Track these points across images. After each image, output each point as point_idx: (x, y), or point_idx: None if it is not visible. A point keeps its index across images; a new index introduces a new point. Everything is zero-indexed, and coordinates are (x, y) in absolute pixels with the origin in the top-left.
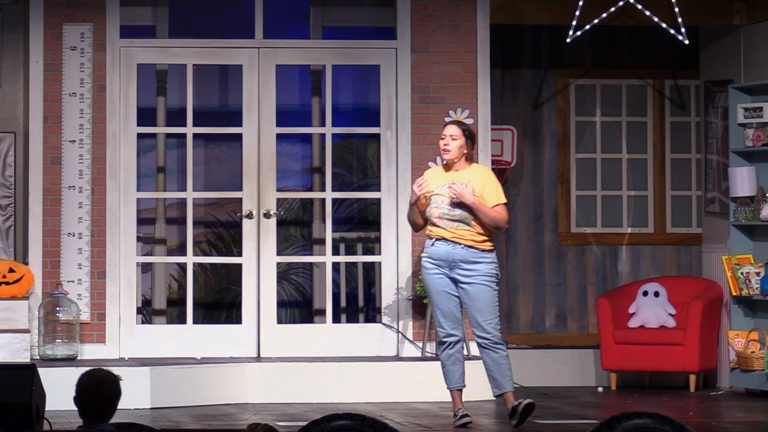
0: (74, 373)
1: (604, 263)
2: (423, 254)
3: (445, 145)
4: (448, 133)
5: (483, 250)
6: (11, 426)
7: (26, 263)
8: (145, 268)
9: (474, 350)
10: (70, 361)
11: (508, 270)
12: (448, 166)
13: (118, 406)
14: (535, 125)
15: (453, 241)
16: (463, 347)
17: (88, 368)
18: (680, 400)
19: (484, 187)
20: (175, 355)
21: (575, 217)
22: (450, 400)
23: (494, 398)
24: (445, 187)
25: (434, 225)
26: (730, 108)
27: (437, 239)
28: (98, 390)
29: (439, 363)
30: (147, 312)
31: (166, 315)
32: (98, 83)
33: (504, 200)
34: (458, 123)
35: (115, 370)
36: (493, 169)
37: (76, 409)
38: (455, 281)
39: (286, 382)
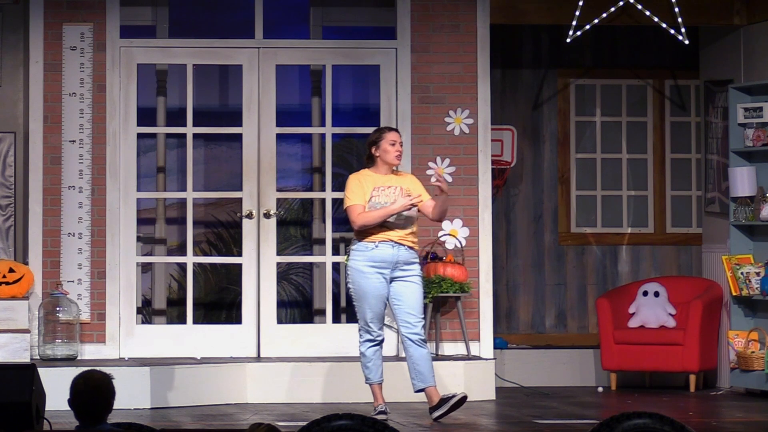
0: (74, 373)
1: (604, 263)
2: (356, 258)
3: (398, 151)
4: (398, 140)
5: (416, 252)
6: (11, 426)
7: (26, 263)
8: (145, 268)
9: (448, 350)
10: (70, 361)
11: (508, 270)
12: (385, 170)
13: (118, 406)
14: (535, 125)
15: (399, 243)
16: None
17: (85, 369)
18: (680, 400)
19: (419, 190)
20: (175, 355)
21: (575, 217)
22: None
23: (416, 392)
24: (387, 189)
25: (381, 227)
26: (730, 108)
27: (381, 242)
28: (94, 393)
29: (440, 362)
30: (147, 312)
31: (166, 315)
32: (98, 83)
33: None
34: (396, 129)
35: (115, 370)
36: (493, 170)
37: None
38: (389, 281)
39: (286, 382)
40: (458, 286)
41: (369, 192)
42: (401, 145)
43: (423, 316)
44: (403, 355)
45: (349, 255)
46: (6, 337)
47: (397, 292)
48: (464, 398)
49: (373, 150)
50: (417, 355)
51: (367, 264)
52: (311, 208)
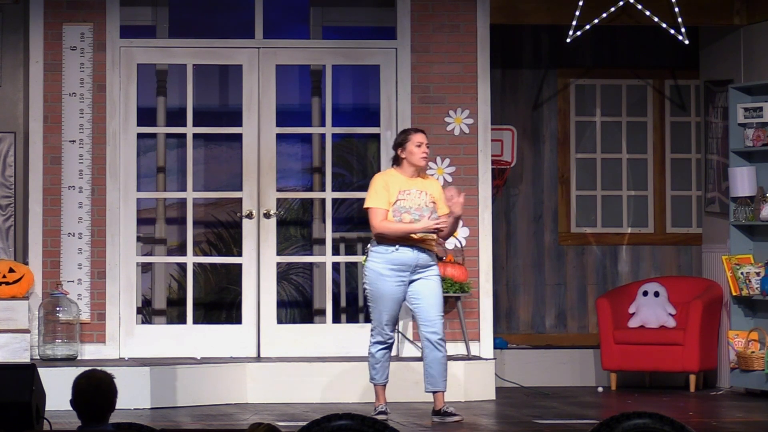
0: (74, 373)
1: (604, 263)
2: (375, 260)
3: (424, 152)
4: (424, 141)
5: (434, 253)
6: (11, 426)
7: (26, 263)
8: (145, 268)
9: (448, 350)
10: (70, 361)
11: (508, 270)
12: (410, 171)
13: (118, 406)
14: (535, 125)
15: (419, 247)
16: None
17: (86, 368)
18: (680, 400)
19: (440, 197)
20: (175, 355)
21: (575, 217)
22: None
23: (426, 392)
24: (413, 192)
25: None
26: (730, 108)
27: (402, 245)
28: (97, 392)
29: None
30: (147, 312)
31: (166, 315)
32: (98, 83)
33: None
34: (422, 130)
35: (115, 370)
36: (493, 170)
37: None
38: (408, 284)
39: (286, 382)
40: (458, 286)
41: (395, 194)
42: (428, 147)
43: (443, 313)
44: (404, 355)
45: (367, 256)
46: (6, 337)
47: (416, 291)
48: (461, 422)
49: (399, 152)
50: (431, 357)
51: (387, 267)
52: (311, 208)
